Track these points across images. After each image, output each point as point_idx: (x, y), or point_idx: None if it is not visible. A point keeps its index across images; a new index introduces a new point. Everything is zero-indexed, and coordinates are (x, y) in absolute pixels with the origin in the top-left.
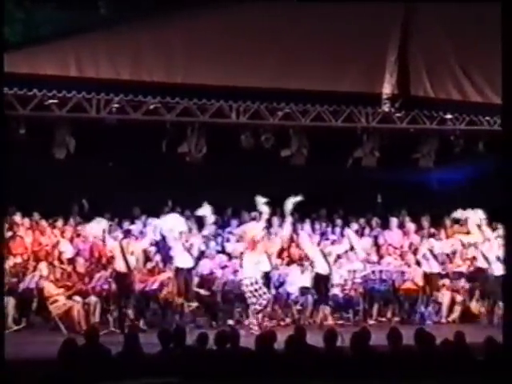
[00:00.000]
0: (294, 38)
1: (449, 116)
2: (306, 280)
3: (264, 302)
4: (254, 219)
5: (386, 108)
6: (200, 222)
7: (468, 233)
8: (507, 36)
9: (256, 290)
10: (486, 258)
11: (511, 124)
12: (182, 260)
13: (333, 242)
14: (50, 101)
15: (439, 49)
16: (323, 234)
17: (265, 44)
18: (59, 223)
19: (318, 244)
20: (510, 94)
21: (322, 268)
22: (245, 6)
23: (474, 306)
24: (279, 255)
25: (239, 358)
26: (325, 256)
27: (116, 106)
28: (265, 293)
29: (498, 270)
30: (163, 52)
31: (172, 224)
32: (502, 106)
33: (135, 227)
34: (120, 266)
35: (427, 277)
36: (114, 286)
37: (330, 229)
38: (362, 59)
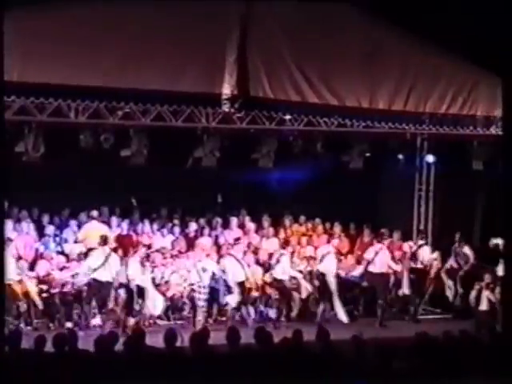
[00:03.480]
0: (134, 37)
1: (288, 117)
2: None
3: None
4: (94, 219)
5: (225, 108)
6: (38, 223)
7: (308, 231)
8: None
9: None
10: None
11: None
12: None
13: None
14: None
15: (278, 50)
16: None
17: (104, 42)
18: None
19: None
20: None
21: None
22: (82, 3)
23: (312, 304)
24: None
25: (78, 361)
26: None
27: None
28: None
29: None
30: None
31: None
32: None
33: None
34: None
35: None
36: None
37: (167, 229)
38: (201, 59)
